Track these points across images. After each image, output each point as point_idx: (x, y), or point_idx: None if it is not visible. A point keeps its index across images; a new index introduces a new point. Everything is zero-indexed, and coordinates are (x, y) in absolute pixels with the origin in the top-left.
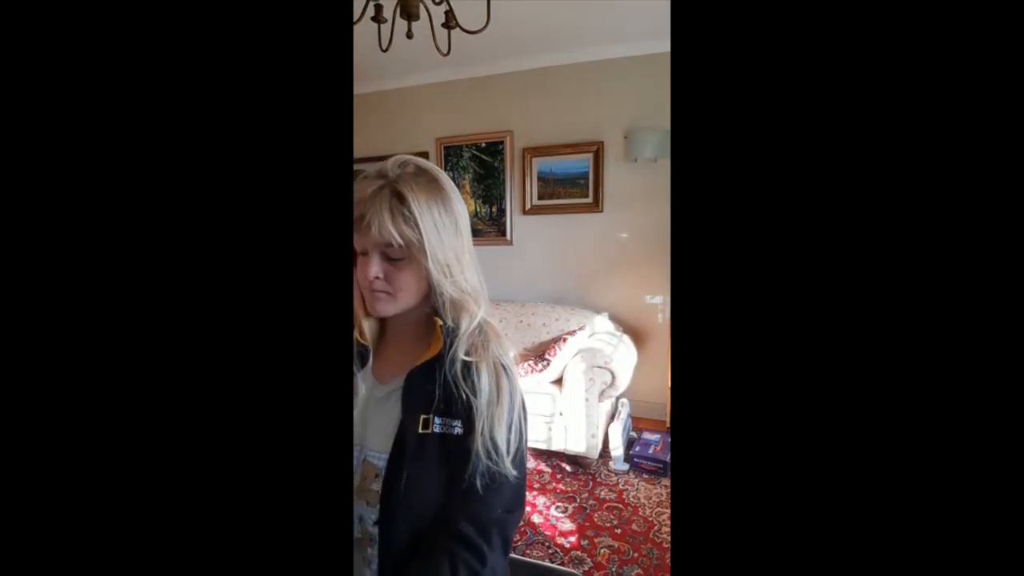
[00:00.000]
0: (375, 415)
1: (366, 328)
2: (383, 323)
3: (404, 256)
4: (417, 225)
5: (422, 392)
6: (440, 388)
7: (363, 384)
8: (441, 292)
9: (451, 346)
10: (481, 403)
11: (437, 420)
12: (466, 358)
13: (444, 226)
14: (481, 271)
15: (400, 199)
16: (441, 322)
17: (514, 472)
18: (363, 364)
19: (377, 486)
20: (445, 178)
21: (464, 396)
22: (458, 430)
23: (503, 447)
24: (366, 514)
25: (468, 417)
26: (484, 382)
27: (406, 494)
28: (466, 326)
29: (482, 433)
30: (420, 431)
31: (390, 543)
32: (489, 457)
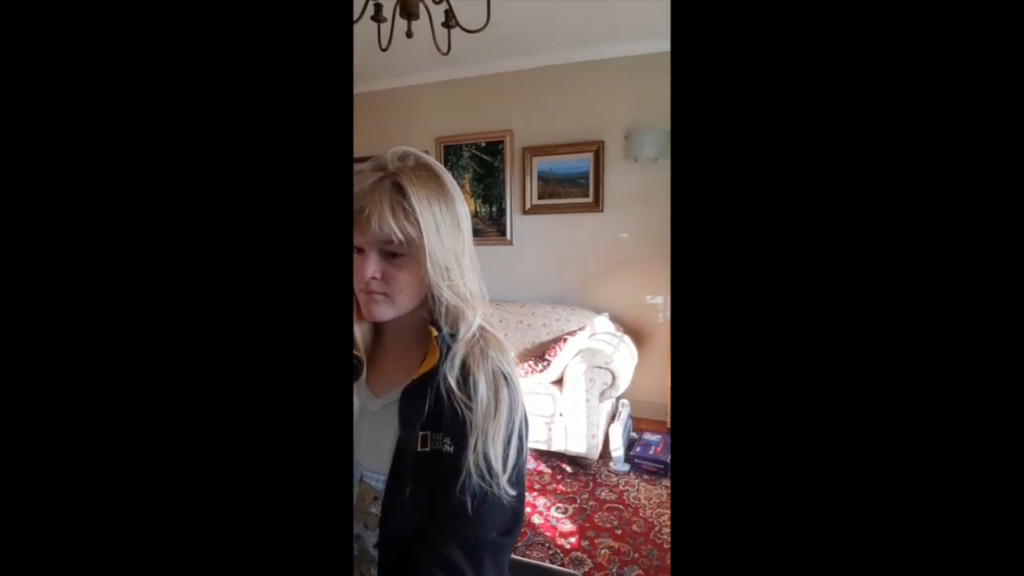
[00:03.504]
0: (370, 431)
1: (359, 337)
2: (377, 332)
3: (403, 254)
4: (417, 221)
5: (420, 407)
6: (436, 402)
7: (356, 397)
8: (439, 296)
9: (448, 356)
10: (477, 416)
11: (435, 436)
12: (463, 368)
13: (445, 225)
14: (482, 276)
15: (401, 192)
16: (436, 332)
17: (511, 492)
18: (356, 376)
19: (376, 509)
20: (448, 176)
21: (459, 410)
22: (448, 447)
23: (497, 465)
24: (365, 535)
25: (462, 432)
26: (481, 393)
27: (408, 518)
28: (463, 333)
29: (475, 449)
30: (420, 449)
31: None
32: (482, 476)
